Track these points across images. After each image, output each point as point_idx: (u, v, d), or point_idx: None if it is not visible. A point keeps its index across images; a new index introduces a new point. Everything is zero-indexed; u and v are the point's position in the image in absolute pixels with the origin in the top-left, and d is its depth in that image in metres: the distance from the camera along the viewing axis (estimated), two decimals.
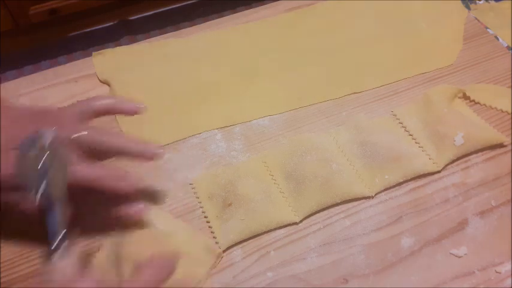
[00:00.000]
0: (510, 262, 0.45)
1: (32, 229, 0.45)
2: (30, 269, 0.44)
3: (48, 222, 0.38)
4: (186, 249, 0.44)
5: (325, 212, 0.48)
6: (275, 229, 0.47)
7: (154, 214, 0.47)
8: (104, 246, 0.45)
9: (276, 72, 0.61)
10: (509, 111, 0.56)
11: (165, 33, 0.66)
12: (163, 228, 0.46)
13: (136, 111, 0.46)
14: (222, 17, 0.68)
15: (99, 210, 0.44)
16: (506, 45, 0.63)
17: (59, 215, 0.38)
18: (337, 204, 0.48)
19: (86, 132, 0.42)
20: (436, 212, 0.48)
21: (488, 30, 0.65)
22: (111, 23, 0.81)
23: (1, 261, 0.44)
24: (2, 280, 0.44)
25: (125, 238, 0.45)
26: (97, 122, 0.55)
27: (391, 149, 0.51)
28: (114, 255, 0.44)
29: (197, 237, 0.46)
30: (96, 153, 0.44)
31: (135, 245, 0.44)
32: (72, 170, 0.40)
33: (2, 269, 0.44)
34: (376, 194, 0.49)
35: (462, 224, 0.47)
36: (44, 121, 0.42)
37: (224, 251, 0.46)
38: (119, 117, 0.55)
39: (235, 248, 0.46)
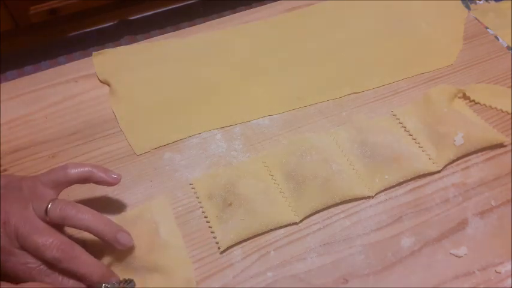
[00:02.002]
0: (510, 262, 0.45)
1: None
2: None
3: None
4: (170, 268, 0.44)
5: (325, 212, 0.48)
6: (275, 229, 0.47)
7: (161, 216, 0.47)
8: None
9: (276, 72, 0.61)
10: (509, 111, 0.56)
11: (165, 33, 0.66)
12: (164, 237, 0.46)
13: (113, 182, 0.45)
14: (222, 17, 0.68)
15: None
16: (506, 45, 0.63)
17: None
18: (337, 204, 0.48)
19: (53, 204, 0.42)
20: (436, 212, 0.48)
21: (488, 30, 0.65)
22: (111, 23, 0.81)
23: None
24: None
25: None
26: (95, 119, 0.55)
27: (391, 149, 0.51)
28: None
29: (185, 263, 0.45)
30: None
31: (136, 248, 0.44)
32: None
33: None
34: (376, 194, 0.49)
35: (462, 224, 0.47)
36: (19, 195, 0.42)
37: (224, 251, 0.46)
38: (119, 116, 0.55)
39: (235, 248, 0.46)
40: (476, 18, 0.66)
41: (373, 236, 0.47)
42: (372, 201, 0.49)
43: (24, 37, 0.78)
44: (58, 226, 0.42)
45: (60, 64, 0.62)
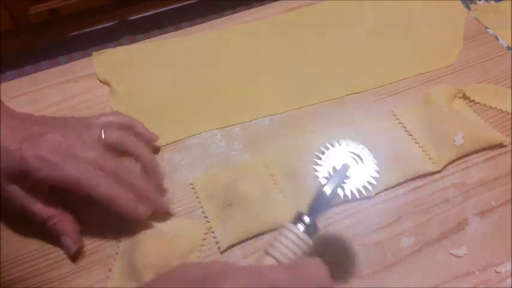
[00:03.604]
0: (510, 262, 0.45)
1: (32, 229, 0.45)
2: (30, 269, 0.44)
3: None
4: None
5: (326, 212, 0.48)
6: (275, 229, 0.47)
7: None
8: (115, 265, 0.44)
9: (276, 72, 0.61)
10: (509, 111, 0.56)
11: (165, 33, 0.66)
12: (167, 229, 0.46)
13: (152, 138, 0.51)
14: (222, 17, 0.68)
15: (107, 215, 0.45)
16: (506, 45, 0.63)
17: None
18: (337, 204, 0.48)
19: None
20: (436, 212, 0.48)
21: (488, 30, 0.65)
22: (111, 23, 0.82)
23: (1, 261, 0.44)
24: (2, 280, 0.44)
25: (134, 247, 0.44)
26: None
27: (391, 149, 0.51)
28: (128, 268, 0.44)
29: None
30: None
31: (145, 252, 0.44)
32: (94, 183, 0.41)
33: (2, 269, 0.44)
34: (376, 194, 0.49)
35: (462, 224, 0.47)
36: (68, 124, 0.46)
37: (224, 251, 0.46)
38: None
39: (235, 248, 0.46)
40: (476, 18, 0.66)
41: (373, 236, 0.47)
42: (372, 201, 0.49)
43: (24, 37, 0.78)
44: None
45: (60, 64, 0.62)
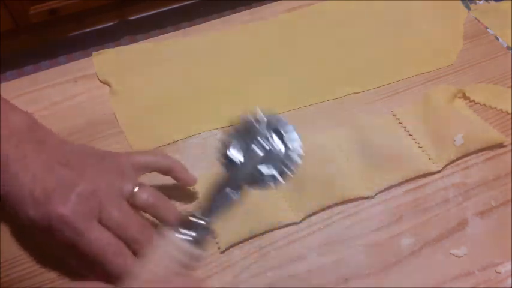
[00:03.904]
0: (510, 262, 0.45)
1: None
2: (30, 269, 0.44)
3: None
4: None
5: (325, 212, 0.48)
6: (275, 229, 0.47)
7: None
8: None
9: (276, 72, 0.60)
10: (509, 111, 0.56)
11: (165, 33, 0.66)
12: None
13: (191, 182, 0.47)
14: (222, 17, 0.68)
15: None
16: (506, 45, 0.63)
17: None
18: (337, 204, 0.48)
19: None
20: (436, 212, 0.48)
21: (488, 30, 0.65)
22: (111, 23, 0.81)
23: (1, 261, 0.44)
24: (2, 280, 0.44)
25: None
26: (95, 119, 0.55)
27: (391, 149, 0.51)
28: None
29: None
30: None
31: None
32: (110, 257, 0.38)
33: (2, 269, 0.44)
34: (376, 194, 0.49)
35: (462, 224, 0.47)
36: (111, 169, 0.42)
37: (224, 251, 0.46)
38: (119, 116, 0.55)
39: (235, 248, 0.46)
40: (476, 18, 0.66)
41: (373, 236, 0.47)
42: (372, 201, 0.49)
43: (24, 37, 0.78)
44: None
45: (60, 64, 0.62)
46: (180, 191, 0.48)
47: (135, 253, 0.39)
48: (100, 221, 0.39)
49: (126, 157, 0.44)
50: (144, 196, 0.41)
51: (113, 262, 0.38)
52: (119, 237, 0.39)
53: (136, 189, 0.41)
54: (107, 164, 0.42)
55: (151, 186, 0.43)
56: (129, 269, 0.37)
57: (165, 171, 0.46)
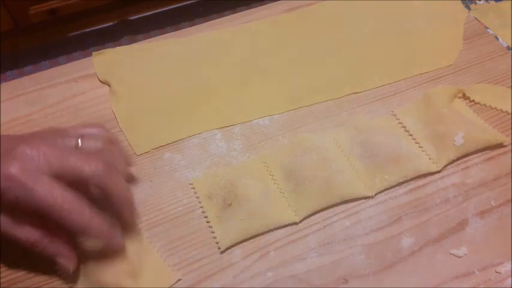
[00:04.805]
0: (510, 262, 0.45)
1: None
2: (30, 269, 0.44)
3: None
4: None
5: (325, 212, 0.48)
6: (275, 229, 0.47)
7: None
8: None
9: (276, 72, 0.61)
10: (509, 111, 0.56)
11: (165, 33, 0.66)
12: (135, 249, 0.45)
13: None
14: (222, 17, 0.68)
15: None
16: (506, 45, 0.63)
17: None
18: (337, 204, 0.48)
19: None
20: (436, 212, 0.48)
21: (488, 30, 0.65)
22: (111, 23, 0.81)
23: (1, 261, 0.44)
24: (2, 280, 0.44)
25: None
26: (95, 119, 0.55)
27: (391, 149, 0.51)
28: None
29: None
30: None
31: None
32: (66, 211, 0.37)
33: (2, 269, 0.44)
34: (376, 194, 0.49)
35: (462, 224, 0.47)
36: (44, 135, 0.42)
37: (224, 251, 0.46)
38: (119, 116, 0.55)
39: (235, 248, 0.46)
40: (476, 18, 0.66)
41: (373, 236, 0.47)
42: (372, 201, 0.49)
43: (24, 37, 0.78)
44: None
45: (60, 64, 0.62)
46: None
47: (98, 197, 0.39)
48: (52, 175, 0.38)
49: (67, 128, 0.44)
50: (90, 143, 0.41)
51: (68, 218, 0.37)
52: (77, 184, 0.38)
53: (79, 139, 0.41)
54: (47, 132, 0.42)
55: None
56: (87, 223, 0.37)
57: (107, 142, 0.44)
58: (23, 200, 0.37)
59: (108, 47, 0.63)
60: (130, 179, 0.49)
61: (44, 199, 0.37)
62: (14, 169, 0.37)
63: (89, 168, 0.38)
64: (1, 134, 0.42)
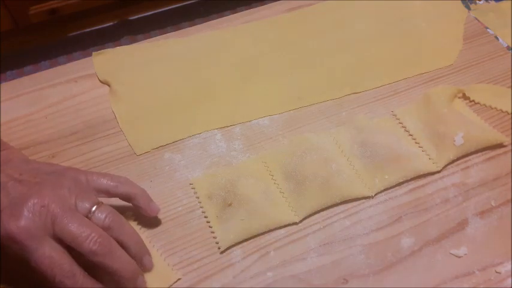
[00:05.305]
0: (510, 262, 0.45)
1: None
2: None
3: None
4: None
5: (325, 212, 0.48)
6: (275, 229, 0.47)
7: None
8: None
9: (276, 72, 0.61)
10: (509, 111, 0.56)
11: (165, 33, 0.66)
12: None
13: (151, 213, 0.45)
14: (222, 17, 0.68)
15: None
16: (506, 45, 0.63)
17: None
18: (337, 204, 0.48)
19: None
20: (436, 212, 0.48)
21: (488, 30, 0.65)
22: (111, 23, 0.81)
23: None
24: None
25: None
26: (95, 119, 0.55)
27: (391, 149, 0.51)
28: None
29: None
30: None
31: None
32: (65, 279, 0.38)
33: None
34: (376, 194, 0.49)
35: (462, 224, 0.47)
36: (62, 183, 0.41)
37: (224, 251, 0.46)
38: (119, 116, 0.55)
39: (235, 248, 0.46)
40: (476, 18, 0.66)
41: (373, 236, 0.47)
42: (372, 201, 0.49)
43: (24, 37, 0.78)
44: None
45: (60, 64, 0.62)
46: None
47: (94, 266, 0.39)
48: (55, 236, 0.38)
49: (85, 175, 0.43)
50: (101, 216, 0.41)
51: (62, 283, 0.38)
52: (76, 249, 0.39)
53: (94, 208, 0.41)
54: (64, 181, 0.42)
55: (110, 206, 0.42)
56: None
57: (125, 199, 0.45)
58: (21, 256, 0.38)
59: (108, 47, 0.63)
60: (145, 265, 0.44)
61: (41, 264, 0.38)
62: (18, 229, 0.37)
63: (87, 245, 0.38)
64: (20, 159, 0.43)
